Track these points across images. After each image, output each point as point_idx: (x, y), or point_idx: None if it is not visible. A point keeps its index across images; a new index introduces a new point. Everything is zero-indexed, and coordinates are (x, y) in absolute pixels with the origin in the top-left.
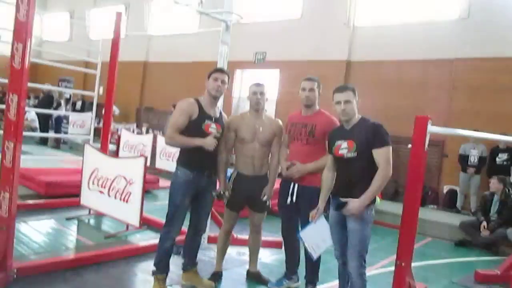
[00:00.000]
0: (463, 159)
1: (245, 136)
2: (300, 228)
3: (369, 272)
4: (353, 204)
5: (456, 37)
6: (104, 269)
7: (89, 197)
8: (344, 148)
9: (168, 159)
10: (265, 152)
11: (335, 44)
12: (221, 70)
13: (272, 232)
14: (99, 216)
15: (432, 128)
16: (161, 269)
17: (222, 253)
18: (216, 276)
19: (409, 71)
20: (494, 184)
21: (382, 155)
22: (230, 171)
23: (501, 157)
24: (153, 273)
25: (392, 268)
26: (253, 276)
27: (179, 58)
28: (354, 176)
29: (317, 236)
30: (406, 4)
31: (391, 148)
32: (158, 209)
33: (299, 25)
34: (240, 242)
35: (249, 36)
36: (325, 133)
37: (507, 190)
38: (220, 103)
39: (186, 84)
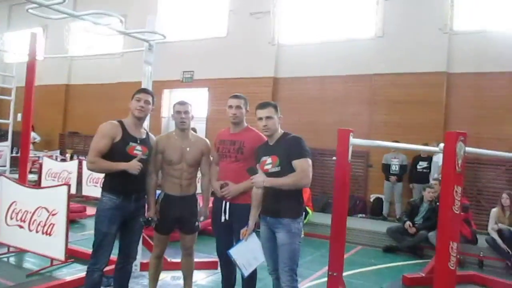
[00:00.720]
0: (386, 168)
1: (172, 157)
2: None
3: (304, 284)
4: (259, 178)
5: (373, 54)
6: None
7: (8, 233)
8: (268, 163)
9: (96, 185)
10: (193, 172)
11: (261, 61)
12: (144, 90)
13: (206, 253)
14: (20, 253)
15: (354, 141)
16: None
17: (154, 279)
18: None
19: (332, 86)
20: (430, 193)
21: (299, 165)
22: (158, 192)
23: (422, 165)
24: None
25: (326, 279)
26: None
27: (103, 79)
28: (280, 191)
29: (248, 253)
30: (326, 23)
31: (309, 160)
32: (87, 239)
33: (225, 43)
34: (174, 266)
35: (175, 55)
36: (253, 150)
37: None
38: (146, 123)
39: (112, 107)
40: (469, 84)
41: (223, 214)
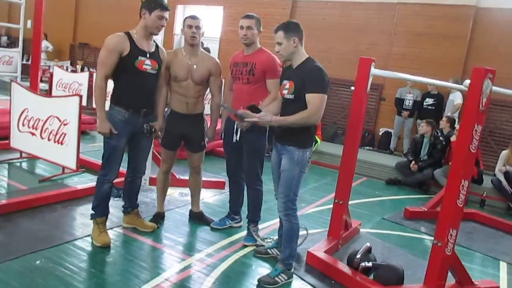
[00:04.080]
0: (399, 103)
1: (177, 73)
2: (243, 169)
3: (308, 210)
4: (266, 117)
5: None
6: (40, 214)
7: (20, 140)
8: (286, 88)
9: (106, 98)
10: (200, 91)
11: None
12: (165, 8)
13: (214, 173)
14: (32, 159)
15: (375, 71)
16: (100, 213)
17: (162, 194)
18: (158, 217)
19: (353, 13)
20: (423, 127)
21: (312, 100)
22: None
23: (428, 101)
24: (92, 216)
25: (330, 206)
26: (196, 217)
27: None
28: None
29: None
30: None
31: (324, 96)
32: (97, 151)
33: None
34: (183, 183)
35: None
36: (265, 72)
37: (435, 133)
38: (160, 39)
39: (122, 18)
40: (498, 20)
41: (234, 134)
